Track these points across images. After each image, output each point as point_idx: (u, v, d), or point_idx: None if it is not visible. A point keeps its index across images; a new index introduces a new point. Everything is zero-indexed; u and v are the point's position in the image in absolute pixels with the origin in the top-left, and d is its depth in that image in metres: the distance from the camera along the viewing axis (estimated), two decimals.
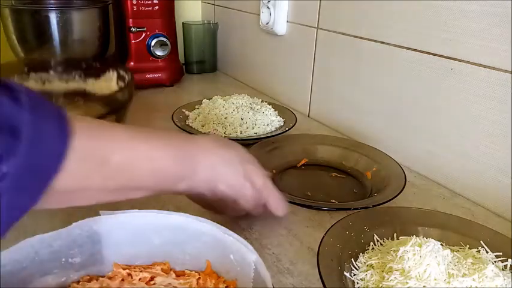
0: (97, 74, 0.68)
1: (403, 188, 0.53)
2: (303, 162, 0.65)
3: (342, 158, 0.65)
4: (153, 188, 0.36)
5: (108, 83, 0.67)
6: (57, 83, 0.69)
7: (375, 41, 0.68)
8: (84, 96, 0.69)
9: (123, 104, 0.62)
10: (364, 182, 0.60)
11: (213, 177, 0.39)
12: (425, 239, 0.39)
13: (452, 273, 0.36)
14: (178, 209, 0.48)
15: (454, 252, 0.40)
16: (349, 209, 0.50)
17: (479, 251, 0.41)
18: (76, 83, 0.69)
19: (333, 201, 0.55)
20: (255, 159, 0.44)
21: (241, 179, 0.41)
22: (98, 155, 0.30)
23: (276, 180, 0.59)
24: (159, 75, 1.04)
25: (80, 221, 0.36)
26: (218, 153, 0.40)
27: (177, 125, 0.71)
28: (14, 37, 0.96)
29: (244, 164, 0.42)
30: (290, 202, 0.49)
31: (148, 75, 1.03)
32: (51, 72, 0.68)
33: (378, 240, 0.43)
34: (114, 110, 0.59)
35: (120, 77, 0.67)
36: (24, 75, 0.67)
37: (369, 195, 0.56)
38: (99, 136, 0.31)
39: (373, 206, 0.49)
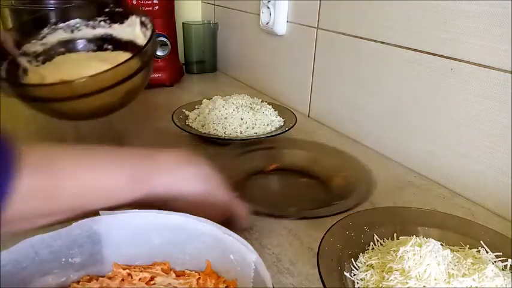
0: (121, 19, 0.69)
1: (368, 195, 0.51)
2: (273, 167, 0.63)
3: (313, 163, 0.62)
4: (107, 206, 0.36)
5: (132, 28, 0.68)
6: (85, 30, 0.69)
7: (375, 41, 0.68)
8: (112, 43, 0.70)
9: (152, 55, 0.61)
10: (332, 188, 0.57)
11: (169, 196, 0.38)
12: (425, 239, 0.39)
13: (452, 273, 0.36)
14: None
15: (454, 252, 0.40)
16: (313, 218, 0.49)
17: (479, 251, 0.41)
18: (103, 29, 0.70)
19: (294, 209, 0.54)
20: (217, 175, 0.42)
21: (200, 197, 0.40)
22: (44, 192, 0.31)
23: (244, 186, 0.57)
24: (159, 75, 1.04)
25: (80, 221, 0.35)
26: (175, 171, 0.39)
27: (177, 125, 0.71)
28: None
29: (205, 181, 0.40)
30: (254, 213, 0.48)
31: None
32: (78, 19, 0.69)
33: (378, 240, 0.43)
34: (144, 64, 0.58)
35: (142, 23, 0.67)
36: (53, 26, 0.68)
37: (335, 202, 0.52)
38: (46, 171, 0.32)
39: (334, 215, 0.47)
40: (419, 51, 0.60)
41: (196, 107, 0.81)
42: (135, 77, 0.57)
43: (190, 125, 0.74)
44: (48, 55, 0.68)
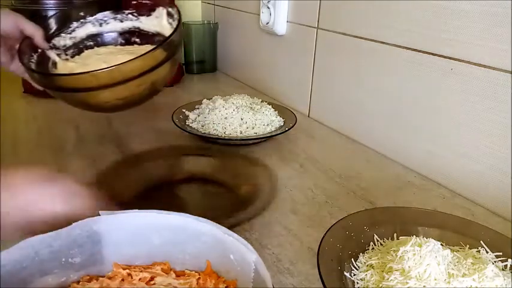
0: (148, 11, 0.69)
1: (268, 203, 0.51)
2: (180, 176, 0.60)
3: (219, 170, 0.60)
4: None
5: (159, 20, 0.69)
6: (112, 23, 0.70)
7: (375, 41, 0.68)
8: (140, 36, 0.70)
9: (178, 45, 0.61)
10: (238, 196, 0.55)
11: (27, 221, 0.34)
12: (425, 239, 0.39)
13: (452, 273, 0.36)
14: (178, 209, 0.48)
15: (454, 252, 0.40)
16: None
17: (479, 251, 0.41)
18: (130, 22, 0.70)
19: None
20: (86, 191, 0.38)
21: (62, 218, 0.35)
22: None
23: (148, 197, 0.55)
24: None
25: (80, 221, 0.35)
26: (33, 191, 0.35)
27: (177, 125, 0.71)
28: None
29: (69, 200, 0.36)
30: None
31: None
32: (106, 12, 0.69)
33: (378, 240, 0.43)
34: (170, 54, 0.58)
35: (168, 14, 0.67)
36: (82, 20, 0.69)
37: (239, 211, 0.51)
38: None
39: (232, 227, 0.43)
40: (419, 51, 0.60)
41: (196, 107, 0.81)
42: (161, 68, 0.57)
43: (190, 125, 0.74)
44: (77, 48, 0.69)
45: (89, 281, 0.35)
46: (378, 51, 0.68)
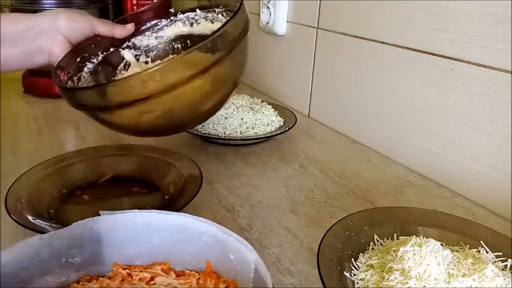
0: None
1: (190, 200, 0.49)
2: (106, 177, 0.58)
3: (149, 169, 0.58)
4: None
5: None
6: (203, 24, 0.59)
7: (375, 41, 0.68)
8: (185, 43, 0.59)
9: (237, 39, 0.47)
10: (165, 196, 0.54)
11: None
12: (425, 239, 0.39)
13: (452, 273, 0.36)
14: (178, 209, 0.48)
15: (454, 252, 0.40)
16: None
17: (479, 251, 0.41)
18: (220, 23, 0.58)
19: None
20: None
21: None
22: None
23: (71, 201, 0.53)
24: None
25: (80, 221, 0.36)
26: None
27: None
28: None
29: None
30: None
31: None
32: (198, 11, 0.58)
33: (378, 240, 0.43)
34: (225, 51, 0.45)
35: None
36: (172, 16, 0.60)
37: (163, 208, 0.47)
38: None
39: None
40: (419, 51, 0.60)
41: None
42: (219, 68, 0.45)
43: None
44: (162, 53, 0.60)
45: (89, 281, 0.36)
46: (378, 51, 0.68)
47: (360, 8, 0.70)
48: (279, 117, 0.78)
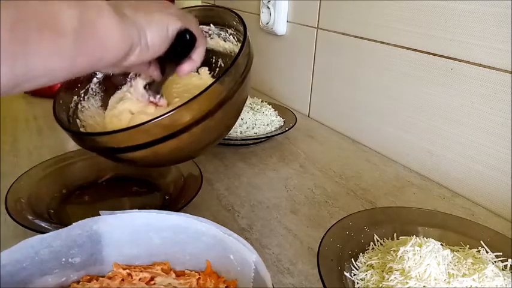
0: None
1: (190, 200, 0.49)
2: (106, 177, 0.58)
3: (149, 169, 0.58)
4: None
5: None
6: (216, 39, 0.57)
7: (375, 41, 0.68)
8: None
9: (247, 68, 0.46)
10: (165, 196, 0.54)
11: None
12: (425, 239, 0.39)
13: (452, 273, 0.36)
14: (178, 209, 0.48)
15: (454, 252, 0.40)
16: None
17: (479, 251, 0.41)
18: (231, 45, 0.56)
19: None
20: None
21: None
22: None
23: (72, 201, 0.53)
24: None
25: (80, 221, 0.36)
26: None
27: None
28: None
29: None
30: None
31: None
32: (212, 26, 0.56)
33: (378, 240, 0.43)
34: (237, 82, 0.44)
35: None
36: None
37: (163, 208, 0.49)
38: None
39: None
40: (420, 51, 0.60)
41: None
42: (238, 95, 0.45)
43: None
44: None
45: (89, 281, 0.36)
46: (377, 51, 0.68)
47: (360, 8, 0.70)
48: (279, 117, 0.78)
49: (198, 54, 0.45)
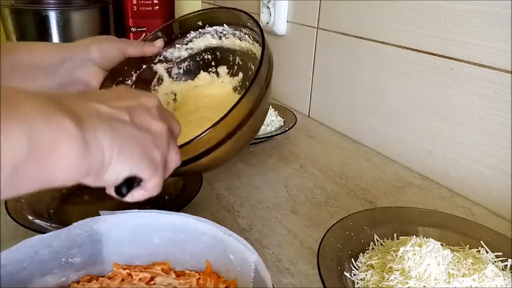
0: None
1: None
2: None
3: None
4: None
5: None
6: (232, 39, 0.59)
7: (375, 41, 0.68)
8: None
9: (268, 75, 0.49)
10: (165, 196, 0.54)
11: None
12: (425, 239, 0.39)
13: (452, 273, 0.36)
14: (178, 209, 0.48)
15: (454, 252, 0.40)
16: None
17: (479, 251, 0.41)
18: (248, 44, 0.58)
19: None
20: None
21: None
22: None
23: (72, 202, 0.53)
24: None
25: (80, 221, 0.36)
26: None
27: None
28: (14, 37, 0.97)
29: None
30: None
31: None
32: (225, 26, 0.58)
33: (377, 240, 0.43)
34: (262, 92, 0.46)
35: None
36: (201, 29, 0.59)
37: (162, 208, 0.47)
38: None
39: None
40: (419, 51, 0.60)
41: None
42: (263, 105, 0.47)
43: None
44: (193, 61, 0.60)
45: (89, 281, 0.36)
46: (377, 51, 0.68)
47: (360, 8, 0.70)
48: (279, 117, 0.78)
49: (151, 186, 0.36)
